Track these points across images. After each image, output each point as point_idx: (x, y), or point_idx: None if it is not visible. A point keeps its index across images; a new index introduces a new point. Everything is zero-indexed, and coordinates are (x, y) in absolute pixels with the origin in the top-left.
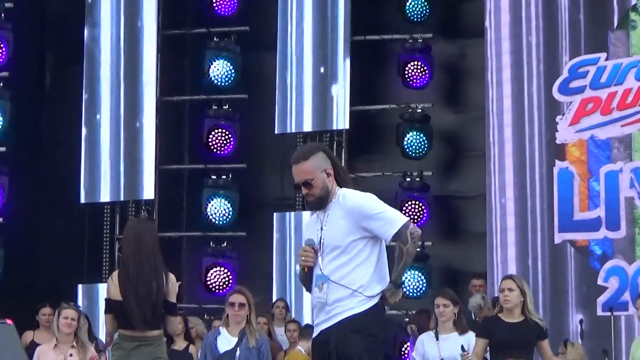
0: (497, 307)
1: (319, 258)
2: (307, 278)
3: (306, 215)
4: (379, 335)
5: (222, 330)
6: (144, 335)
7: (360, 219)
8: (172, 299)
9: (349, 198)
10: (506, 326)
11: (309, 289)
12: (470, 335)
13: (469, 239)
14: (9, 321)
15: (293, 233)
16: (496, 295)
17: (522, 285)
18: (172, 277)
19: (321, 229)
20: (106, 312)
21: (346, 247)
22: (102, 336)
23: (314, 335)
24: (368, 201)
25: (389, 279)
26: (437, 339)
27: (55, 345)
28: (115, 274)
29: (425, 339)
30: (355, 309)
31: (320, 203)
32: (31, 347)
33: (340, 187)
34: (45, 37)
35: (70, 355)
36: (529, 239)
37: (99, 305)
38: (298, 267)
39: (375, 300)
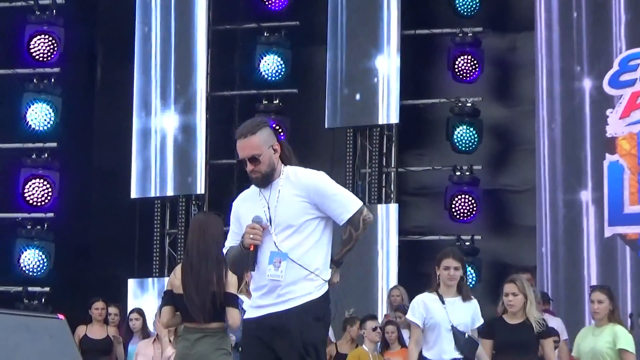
0: (501, 308)
1: (272, 235)
2: (250, 257)
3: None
4: (329, 323)
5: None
6: (207, 326)
7: (316, 198)
8: (233, 290)
9: (303, 175)
10: (508, 327)
11: (252, 268)
12: (474, 302)
13: (519, 232)
14: (61, 316)
15: None
16: (545, 289)
17: (524, 289)
18: (232, 276)
19: (268, 206)
20: (165, 303)
21: (300, 226)
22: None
23: (252, 315)
24: (324, 180)
25: None
26: (443, 303)
27: (154, 340)
28: (178, 266)
29: (428, 302)
30: (314, 294)
31: (265, 180)
32: (84, 342)
33: (285, 164)
34: (96, 33)
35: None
36: (578, 232)
37: (149, 299)
38: (232, 246)
39: (327, 286)
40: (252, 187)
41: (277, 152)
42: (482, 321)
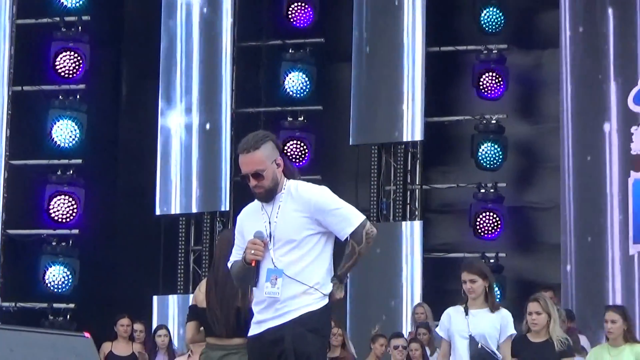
0: (525, 327)
1: (270, 252)
2: (252, 273)
3: (380, 226)
4: (328, 336)
5: None
6: (230, 343)
7: (317, 213)
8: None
9: (304, 190)
10: (531, 346)
11: (254, 284)
12: (503, 313)
13: (543, 250)
14: (87, 334)
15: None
16: (569, 307)
17: (547, 308)
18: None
19: (269, 221)
20: (189, 319)
21: (300, 242)
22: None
23: (255, 332)
24: (325, 195)
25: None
26: (467, 314)
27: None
28: (203, 281)
29: (453, 313)
30: (312, 306)
31: (268, 195)
32: (109, 358)
33: (287, 178)
34: (122, 50)
35: None
36: (602, 250)
37: (173, 316)
38: (235, 260)
39: (326, 300)
40: (256, 201)
41: (280, 167)
42: (511, 332)
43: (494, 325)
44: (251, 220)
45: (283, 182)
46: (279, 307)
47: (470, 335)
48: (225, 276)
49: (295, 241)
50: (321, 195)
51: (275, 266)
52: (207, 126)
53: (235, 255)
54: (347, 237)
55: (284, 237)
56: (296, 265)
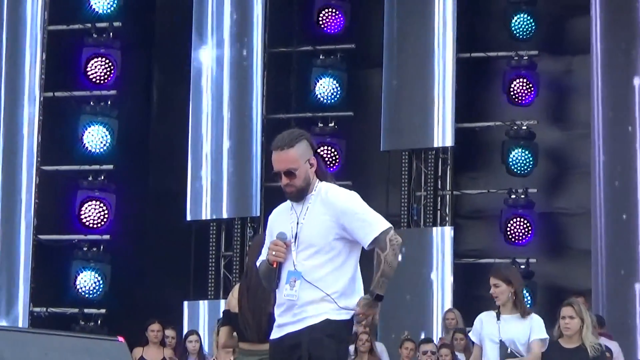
0: (557, 332)
1: (293, 253)
2: (273, 274)
3: (411, 232)
4: (346, 342)
5: None
6: (261, 348)
7: (341, 216)
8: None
9: (333, 194)
10: (563, 351)
11: (275, 286)
12: (534, 318)
13: (574, 256)
14: (120, 338)
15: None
16: (600, 313)
17: (580, 313)
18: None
19: (297, 222)
20: (222, 324)
21: (323, 247)
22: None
23: (276, 335)
24: (352, 199)
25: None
26: (498, 319)
27: None
28: (236, 286)
29: (485, 318)
30: (329, 315)
31: (299, 195)
32: None
33: (320, 180)
34: (153, 56)
35: None
36: (633, 255)
37: (204, 321)
38: (262, 260)
39: (348, 315)
40: (287, 201)
41: (314, 167)
42: (542, 335)
43: (524, 330)
44: (280, 220)
45: (315, 183)
46: (297, 311)
47: (500, 340)
48: (258, 281)
49: (317, 245)
50: (349, 199)
51: (295, 268)
52: (238, 132)
53: (264, 255)
54: (371, 247)
55: (308, 240)
56: (318, 271)
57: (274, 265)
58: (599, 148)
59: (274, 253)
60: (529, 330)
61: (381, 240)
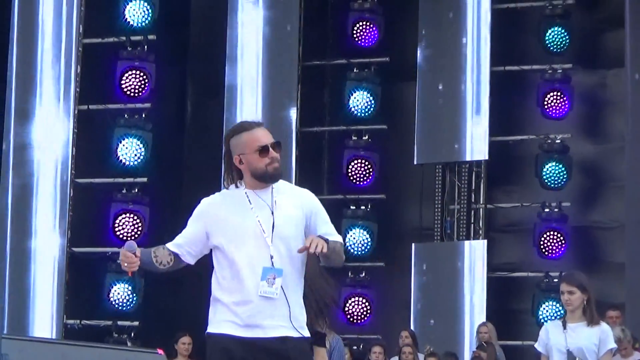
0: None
1: (270, 248)
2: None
3: (444, 246)
4: None
5: None
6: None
7: (311, 208)
8: (321, 328)
9: (294, 187)
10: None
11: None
12: (603, 328)
13: (608, 270)
14: (160, 351)
15: (432, 263)
16: (634, 328)
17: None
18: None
19: (272, 212)
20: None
21: (296, 240)
22: None
23: (242, 334)
24: (313, 195)
25: None
26: (565, 328)
27: None
28: None
29: (551, 328)
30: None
31: (279, 176)
32: None
33: None
34: (187, 69)
35: None
36: None
37: None
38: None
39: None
40: (234, 192)
41: None
42: (611, 346)
43: (592, 340)
44: (232, 210)
45: None
46: (294, 315)
47: (567, 350)
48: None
49: (291, 237)
50: (311, 193)
51: (273, 264)
52: None
53: (184, 234)
54: None
55: (283, 234)
56: (295, 271)
57: (130, 275)
58: (634, 161)
59: (125, 264)
60: (598, 339)
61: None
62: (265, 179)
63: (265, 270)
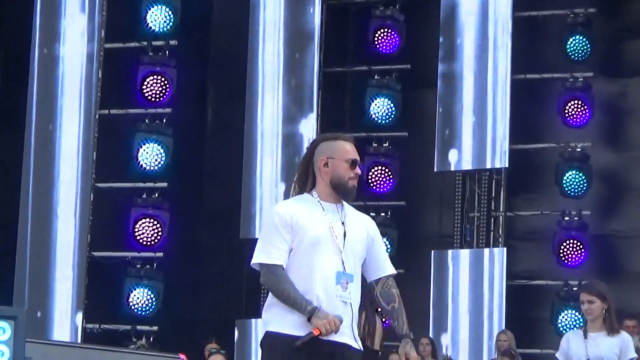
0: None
1: (342, 254)
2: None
3: (465, 253)
4: None
5: None
6: None
7: (374, 234)
8: (375, 346)
9: (366, 216)
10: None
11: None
12: (624, 337)
13: (628, 278)
14: (182, 356)
15: (451, 270)
16: None
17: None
18: (379, 323)
19: (342, 223)
20: None
21: (361, 260)
22: None
23: (346, 341)
24: None
25: None
26: (585, 337)
27: None
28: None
29: (572, 337)
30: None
31: (354, 194)
32: None
33: None
34: (208, 74)
35: None
36: None
37: (256, 339)
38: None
39: None
40: (307, 198)
41: None
42: (632, 356)
43: (612, 349)
44: (308, 214)
45: None
46: (348, 321)
47: (588, 359)
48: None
49: (360, 256)
50: (373, 221)
51: (345, 270)
52: (291, 151)
53: (282, 250)
54: (379, 278)
55: (352, 247)
56: (359, 282)
57: (316, 333)
58: None
59: (328, 327)
60: (619, 349)
61: (394, 279)
62: (342, 189)
63: (339, 275)
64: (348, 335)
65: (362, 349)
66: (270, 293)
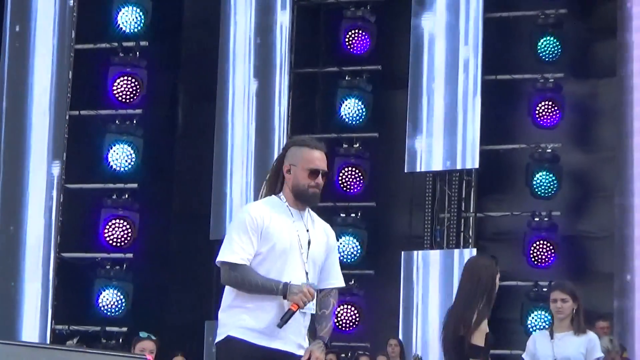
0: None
1: (306, 265)
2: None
3: (434, 254)
4: None
5: None
6: None
7: (331, 250)
8: (479, 342)
9: (328, 226)
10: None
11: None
12: (590, 336)
13: (597, 279)
14: (149, 357)
15: (421, 272)
16: (623, 337)
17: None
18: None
19: (307, 230)
20: None
21: (320, 269)
22: None
23: (262, 343)
24: None
25: None
26: (552, 338)
27: None
28: None
29: (538, 338)
30: None
31: (315, 201)
32: None
33: None
34: (179, 75)
35: None
36: None
37: None
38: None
39: None
40: (275, 202)
41: None
42: (598, 355)
43: (579, 349)
44: (280, 220)
45: None
46: (304, 330)
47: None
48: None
49: (321, 263)
50: (333, 231)
51: (307, 279)
52: (263, 152)
53: (247, 252)
54: (328, 289)
55: (316, 255)
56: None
57: (294, 309)
58: (623, 171)
59: (304, 300)
60: (585, 348)
61: (338, 292)
62: (302, 197)
63: (307, 286)
64: (297, 345)
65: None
66: (225, 294)
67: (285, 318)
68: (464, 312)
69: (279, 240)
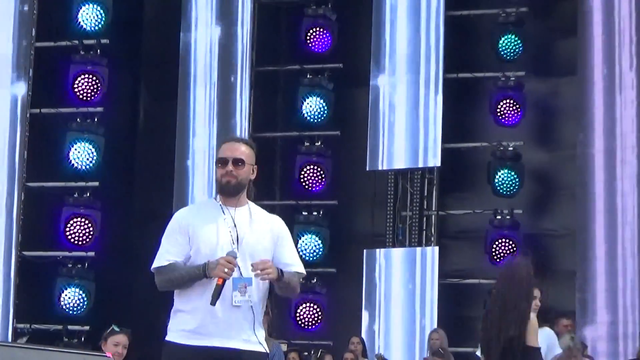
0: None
1: (236, 260)
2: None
3: (397, 252)
4: None
5: None
6: None
7: (279, 238)
8: (534, 343)
9: (274, 217)
10: None
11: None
12: (548, 333)
13: (559, 277)
14: (108, 354)
15: (383, 270)
16: (585, 334)
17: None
18: (533, 319)
19: (235, 225)
20: None
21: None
22: None
23: (198, 343)
24: (284, 224)
25: None
26: None
27: None
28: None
29: None
30: (262, 348)
31: (235, 190)
32: None
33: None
34: (140, 73)
35: None
36: (618, 279)
37: None
38: (177, 261)
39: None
40: (208, 203)
41: (253, 177)
42: (557, 352)
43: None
44: (206, 220)
45: (245, 195)
46: (249, 325)
47: None
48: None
49: (263, 257)
50: (282, 221)
51: (241, 274)
52: None
53: (172, 253)
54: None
55: (253, 248)
56: (261, 286)
57: (219, 282)
58: (585, 169)
59: (226, 270)
60: (546, 345)
61: (301, 278)
62: (222, 191)
63: (235, 281)
64: (244, 340)
65: (266, 352)
66: (174, 299)
67: (214, 295)
68: (510, 313)
69: (203, 241)
